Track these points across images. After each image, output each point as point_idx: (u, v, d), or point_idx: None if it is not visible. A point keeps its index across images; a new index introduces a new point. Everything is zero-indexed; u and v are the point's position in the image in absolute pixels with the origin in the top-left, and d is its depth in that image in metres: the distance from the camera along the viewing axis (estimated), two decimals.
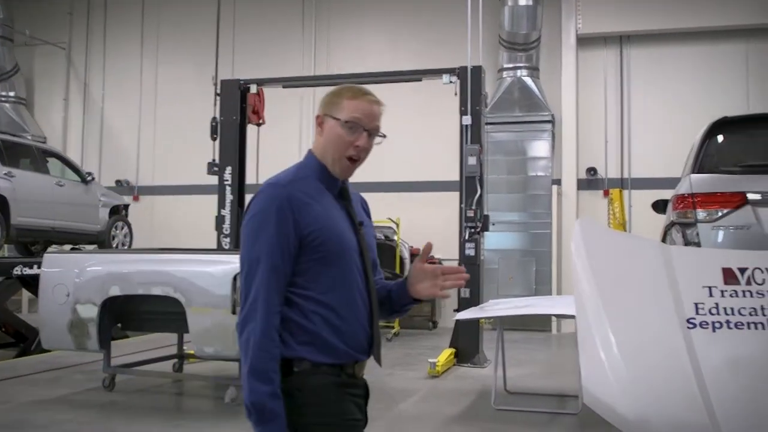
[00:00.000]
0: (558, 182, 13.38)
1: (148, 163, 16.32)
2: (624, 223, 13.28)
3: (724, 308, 4.15)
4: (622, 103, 13.63)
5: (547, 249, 13.14)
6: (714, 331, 4.09)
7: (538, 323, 12.20)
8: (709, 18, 13.00)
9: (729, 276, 4.27)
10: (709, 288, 4.22)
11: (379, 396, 7.46)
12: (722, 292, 4.22)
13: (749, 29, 12.96)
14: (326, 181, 2.38)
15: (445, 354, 8.86)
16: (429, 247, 2.45)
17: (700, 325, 4.08)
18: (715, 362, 3.95)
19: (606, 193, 13.58)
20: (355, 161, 2.39)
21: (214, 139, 10.54)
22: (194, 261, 6.82)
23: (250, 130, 10.91)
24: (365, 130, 2.36)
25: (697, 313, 4.12)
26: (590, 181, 13.63)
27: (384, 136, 2.43)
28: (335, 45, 15.10)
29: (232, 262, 6.55)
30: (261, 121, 10.94)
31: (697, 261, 4.54)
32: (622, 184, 13.57)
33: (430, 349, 9.76)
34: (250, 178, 10.86)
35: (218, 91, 10.78)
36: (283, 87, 11.69)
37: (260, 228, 2.25)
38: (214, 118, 10.58)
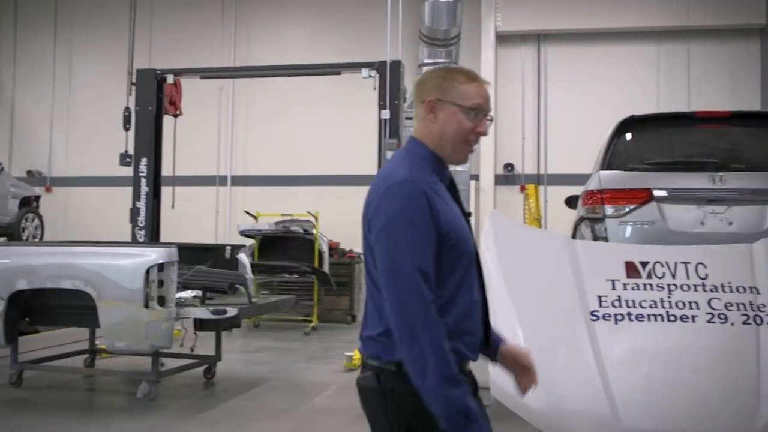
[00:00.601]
0: (476, 177, 13.56)
1: (61, 154, 15.86)
2: (539, 218, 13.56)
3: (626, 301, 4.30)
4: (539, 100, 13.90)
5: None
6: (616, 323, 4.23)
7: None
8: (623, 19, 13.38)
9: (631, 269, 4.43)
10: (613, 281, 4.38)
11: (294, 390, 7.45)
12: (625, 285, 4.37)
13: (660, 31, 13.39)
14: (439, 172, 2.27)
15: None
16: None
17: (603, 317, 4.22)
18: (617, 353, 4.09)
19: (522, 189, 13.84)
20: (472, 146, 2.31)
21: (126, 130, 10.33)
22: (105, 254, 6.67)
23: (167, 121, 10.73)
24: (484, 115, 2.28)
25: (601, 306, 4.26)
26: (507, 176, 13.86)
27: (492, 120, 2.34)
28: (256, 37, 14.96)
29: (144, 255, 6.44)
30: (178, 112, 10.76)
31: (601, 255, 4.69)
32: (538, 180, 13.85)
33: (348, 342, 9.78)
34: (166, 170, 10.69)
35: (133, 81, 10.55)
36: (201, 78, 11.52)
37: (406, 232, 2.10)
38: (126, 108, 10.37)
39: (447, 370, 2.05)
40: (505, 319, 4.17)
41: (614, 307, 4.28)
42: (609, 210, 6.14)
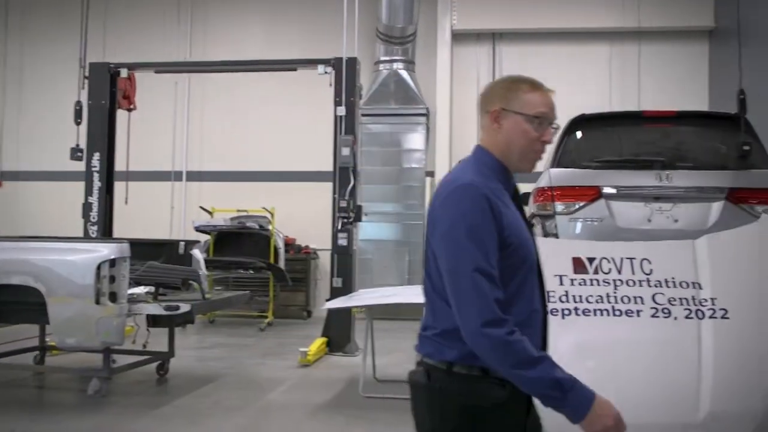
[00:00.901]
0: (431, 174, 13.62)
1: (12, 147, 15.55)
2: None
3: (574, 296, 4.38)
4: None
5: (420, 239, 13.35)
6: (563, 318, 4.31)
7: (410, 312, 12.30)
8: (577, 20, 13.56)
9: (578, 265, 4.51)
10: (560, 277, 4.45)
11: (249, 386, 7.45)
12: (572, 280, 4.45)
13: (612, 32, 13.59)
14: (504, 181, 2.29)
15: (317, 343, 8.92)
16: None
17: (551, 312, 4.27)
18: (564, 348, 4.16)
19: None
20: (539, 154, 2.32)
21: (78, 124, 10.22)
22: (56, 249, 6.58)
23: (121, 115, 10.63)
24: (549, 124, 2.29)
25: (549, 301, 4.33)
26: None
27: (558, 127, 2.35)
28: (212, 32, 14.84)
29: (95, 251, 6.39)
30: (132, 107, 10.67)
31: (549, 251, 4.75)
32: None
33: (304, 338, 9.79)
34: (119, 165, 10.59)
35: (86, 74, 10.43)
36: (156, 72, 11.43)
37: (468, 234, 2.11)
38: (78, 102, 10.25)
39: (519, 356, 2.05)
40: None
41: (561, 302, 4.36)
42: (559, 207, 6.26)
